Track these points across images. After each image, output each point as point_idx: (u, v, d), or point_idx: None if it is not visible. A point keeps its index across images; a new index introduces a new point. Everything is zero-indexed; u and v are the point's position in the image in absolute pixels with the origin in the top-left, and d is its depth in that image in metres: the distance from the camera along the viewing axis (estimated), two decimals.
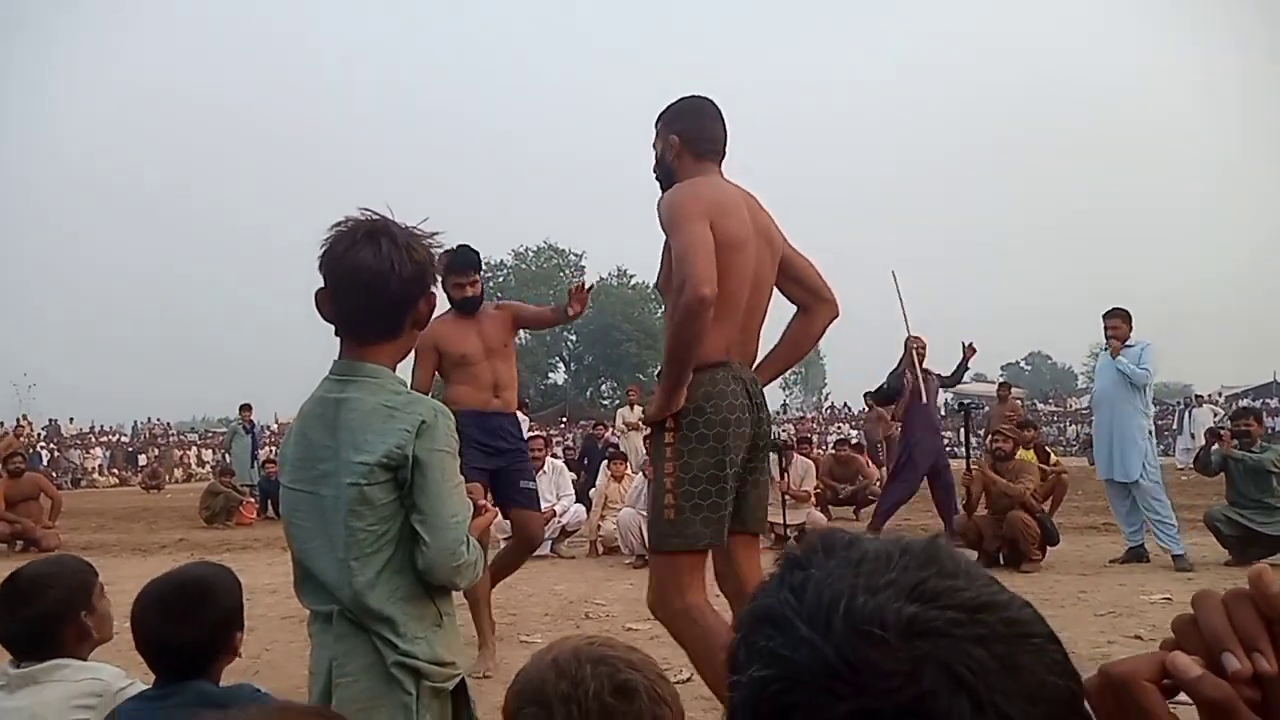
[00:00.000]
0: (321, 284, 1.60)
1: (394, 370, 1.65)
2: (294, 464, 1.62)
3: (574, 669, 0.91)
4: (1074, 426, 29.75)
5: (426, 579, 1.58)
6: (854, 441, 12.57)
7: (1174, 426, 21.89)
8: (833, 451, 11.14)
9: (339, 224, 1.59)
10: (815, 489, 8.73)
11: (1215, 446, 6.48)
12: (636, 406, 13.21)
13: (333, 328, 1.64)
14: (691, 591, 2.43)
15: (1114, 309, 6.34)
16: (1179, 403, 24.50)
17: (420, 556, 1.55)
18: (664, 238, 2.36)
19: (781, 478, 7.57)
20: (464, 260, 3.92)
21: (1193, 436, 20.56)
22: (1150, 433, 6.30)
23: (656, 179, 2.55)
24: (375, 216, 1.61)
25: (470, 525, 1.61)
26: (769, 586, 0.53)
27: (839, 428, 28.04)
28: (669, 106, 2.55)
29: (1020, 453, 7.43)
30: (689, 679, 3.08)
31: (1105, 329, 6.32)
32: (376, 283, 1.54)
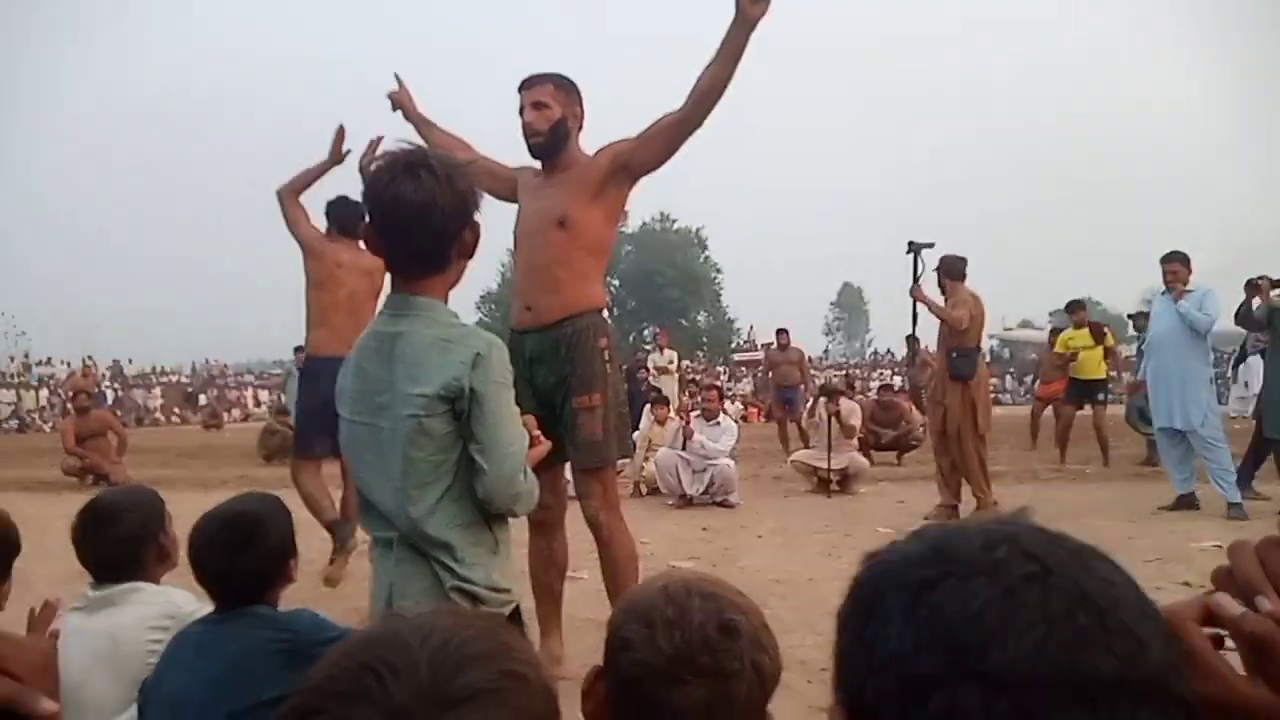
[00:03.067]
0: (367, 219, 1.62)
1: (446, 301, 1.67)
2: (353, 397, 1.67)
3: (683, 598, 0.94)
4: (1124, 375, 29.13)
5: (486, 506, 1.62)
6: (898, 387, 12.45)
7: (1227, 374, 21.30)
8: (876, 397, 11.07)
9: (378, 159, 1.61)
10: (861, 433, 8.72)
11: (1256, 300, 6.16)
12: (666, 351, 13.25)
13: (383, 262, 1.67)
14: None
15: (1172, 252, 6.14)
16: (1233, 350, 23.80)
17: (479, 484, 1.59)
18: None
19: (831, 421, 7.57)
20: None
21: (1246, 385, 20.03)
22: (1212, 380, 6.16)
23: (535, 129, 2.80)
24: (413, 149, 1.62)
25: (526, 455, 1.65)
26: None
27: (882, 374, 27.80)
28: (572, 80, 2.88)
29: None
30: None
31: (1164, 273, 6.13)
32: (419, 216, 1.55)
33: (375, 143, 3.78)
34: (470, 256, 1.68)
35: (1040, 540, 0.50)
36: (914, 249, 6.21)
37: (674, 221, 41.87)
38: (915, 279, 6.21)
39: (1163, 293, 6.30)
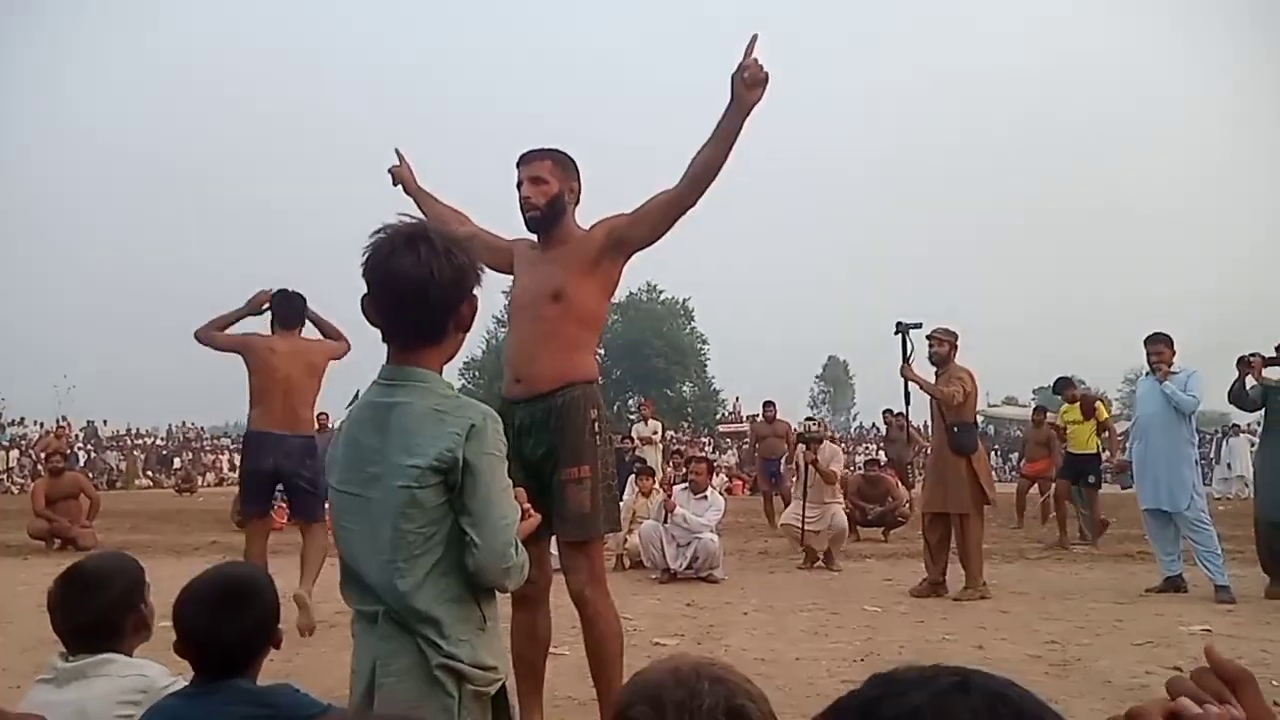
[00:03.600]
0: (365, 291, 1.62)
1: (441, 373, 1.67)
2: (343, 467, 1.65)
3: (693, 681, 0.92)
4: (1106, 452, 29.29)
5: (476, 581, 1.59)
6: (884, 462, 12.44)
7: (1211, 455, 21.47)
8: (862, 471, 11.04)
9: (378, 231, 1.62)
10: (846, 509, 8.65)
11: (1248, 378, 6.10)
12: (651, 421, 13.23)
13: (379, 333, 1.67)
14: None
15: (1156, 334, 6.23)
16: (1216, 431, 24.05)
17: (470, 558, 1.56)
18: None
19: (809, 468, 7.58)
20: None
21: (1230, 466, 20.20)
22: (1197, 462, 6.19)
23: (533, 204, 2.83)
24: (413, 222, 1.63)
25: (518, 528, 1.62)
26: None
27: (867, 448, 27.80)
28: (570, 156, 2.92)
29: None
30: None
31: (1148, 355, 6.21)
32: (417, 289, 1.56)
33: None
34: (467, 329, 1.68)
35: (967, 668, 0.60)
36: (902, 329, 6.26)
37: (661, 292, 42.29)
38: (905, 359, 6.25)
39: (1146, 374, 6.37)
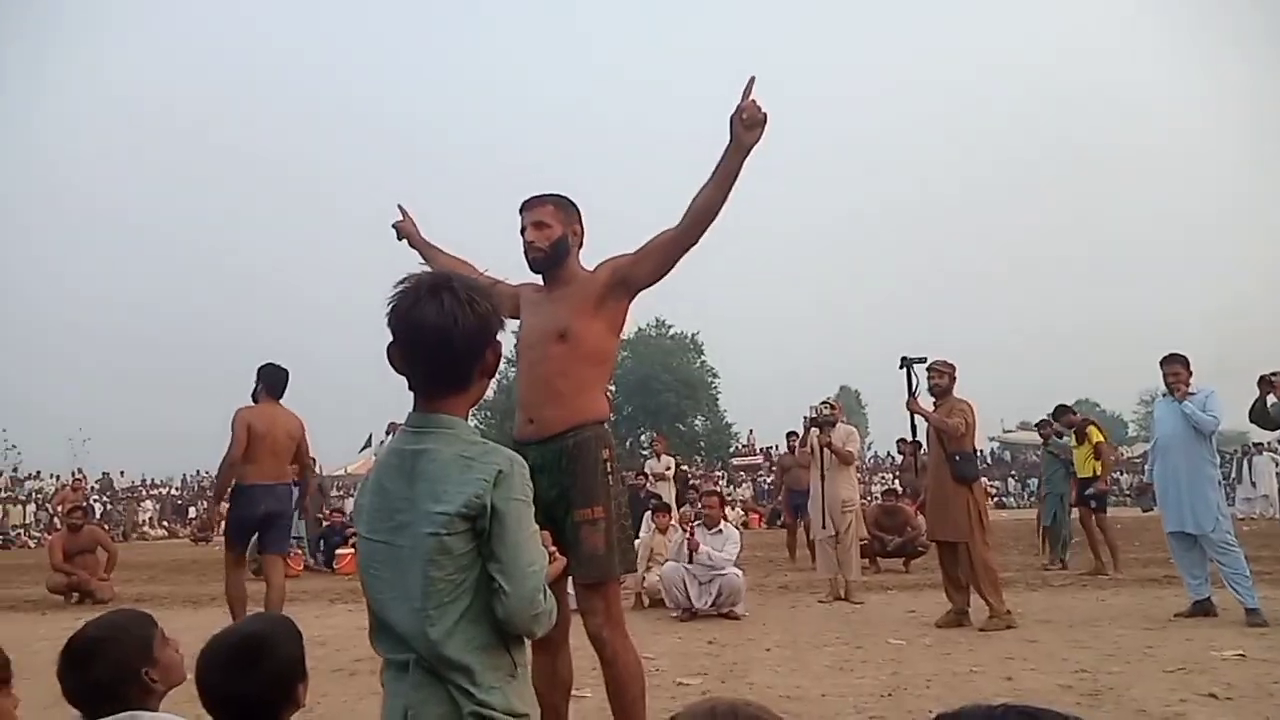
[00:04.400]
0: (391, 340, 1.64)
1: (467, 420, 1.68)
2: (371, 515, 1.65)
3: None
4: (1125, 475, 28.97)
5: (505, 627, 1.58)
6: (900, 491, 12.33)
7: (1233, 475, 21.18)
8: (879, 502, 10.95)
9: (402, 281, 1.65)
10: (862, 539, 8.57)
11: (1270, 397, 6.04)
12: (664, 456, 13.15)
13: (405, 381, 1.68)
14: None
15: (1172, 354, 6.20)
16: (1237, 451, 23.77)
17: (499, 605, 1.56)
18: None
19: (823, 453, 7.52)
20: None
21: (1254, 485, 19.92)
22: (1220, 482, 6.11)
23: (537, 247, 2.86)
24: (436, 272, 1.68)
25: (546, 574, 1.62)
26: None
27: (883, 477, 27.58)
28: (571, 200, 2.95)
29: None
30: None
31: (1165, 376, 6.17)
32: (441, 339, 1.58)
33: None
34: (491, 375, 1.70)
35: (1035, 706, 0.64)
36: (906, 363, 6.34)
37: (670, 327, 42.36)
38: (910, 393, 6.32)
39: (1163, 394, 6.32)
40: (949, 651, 5.27)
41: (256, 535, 5.87)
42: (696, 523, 7.49)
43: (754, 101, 2.63)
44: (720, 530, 7.31)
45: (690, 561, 7.01)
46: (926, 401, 6.40)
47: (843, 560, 7.59)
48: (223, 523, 6.21)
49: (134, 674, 1.82)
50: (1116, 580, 8.31)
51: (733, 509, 18.54)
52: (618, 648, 2.81)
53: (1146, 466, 7.32)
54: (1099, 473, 9.29)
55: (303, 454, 6.09)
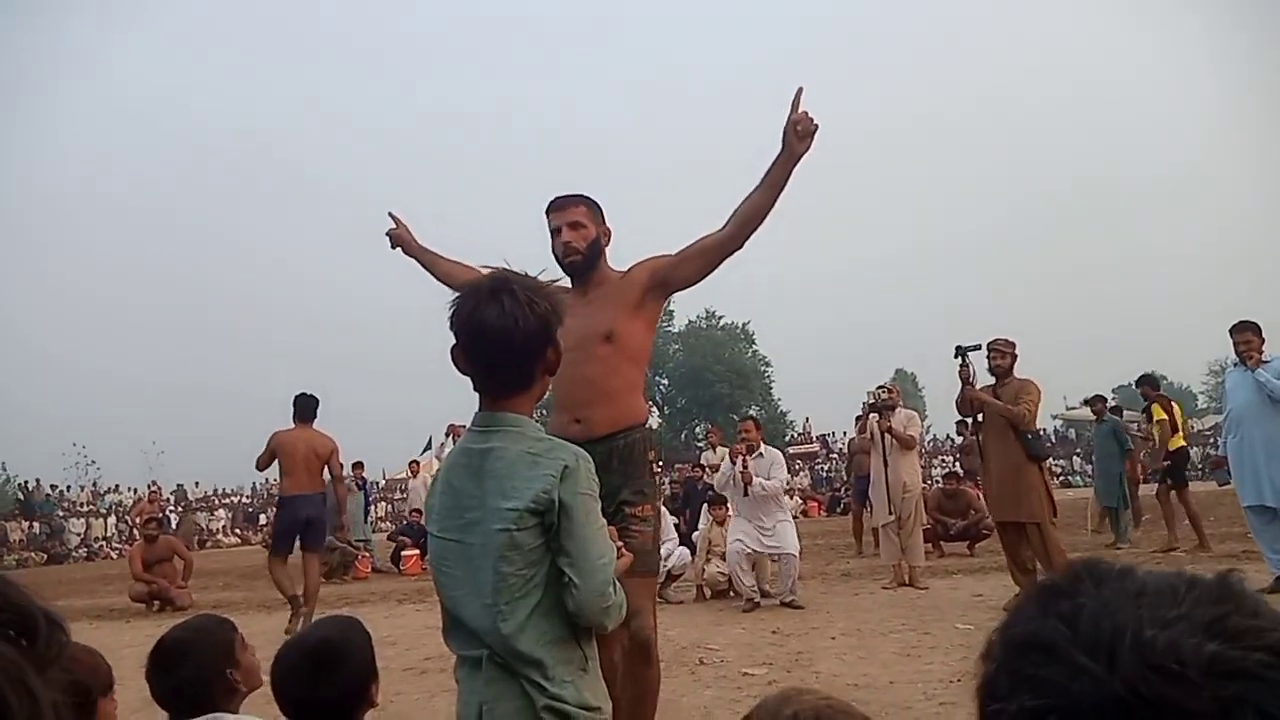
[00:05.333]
0: (454, 343, 1.68)
1: (532, 417, 1.71)
2: (441, 513, 1.69)
3: None
4: (1196, 449, 28.04)
5: (576, 621, 1.61)
6: (962, 473, 12.13)
7: None
8: (940, 485, 10.77)
9: (464, 288, 1.70)
10: (926, 524, 8.44)
11: None
12: (719, 448, 13.10)
13: (469, 381, 1.71)
14: None
15: (1242, 322, 5.98)
16: None
17: (570, 599, 1.59)
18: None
19: (884, 438, 7.39)
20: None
21: None
22: None
23: (575, 248, 2.83)
24: (496, 274, 1.69)
25: (615, 566, 1.65)
26: (1027, 612, 0.53)
27: (943, 460, 27.11)
28: (597, 200, 2.92)
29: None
30: None
31: (1235, 344, 5.96)
32: (503, 339, 1.62)
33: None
34: (553, 373, 1.73)
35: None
36: (961, 352, 6.21)
37: (720, 318, 42.18)
38: (966, 382, 6.17)
39: (1235, 364, 6.11)
40: None
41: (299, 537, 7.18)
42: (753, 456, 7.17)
43: (806, 113, 2.65)
44: (761, 454, 7.21)
45: (745, 494, 6.96)
46: (985, 380, 6.26)
47: (906, 546, 7.48)
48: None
49: (219, 675, 1.90)
50: (1193, 556, 8.06)
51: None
52: (655, 652, 2.79)
53: (1220, 439, 7.09)
54: (1170, 447, 9.03)
55: (332, 468, 7.30)
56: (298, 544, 7.28)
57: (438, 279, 3.16)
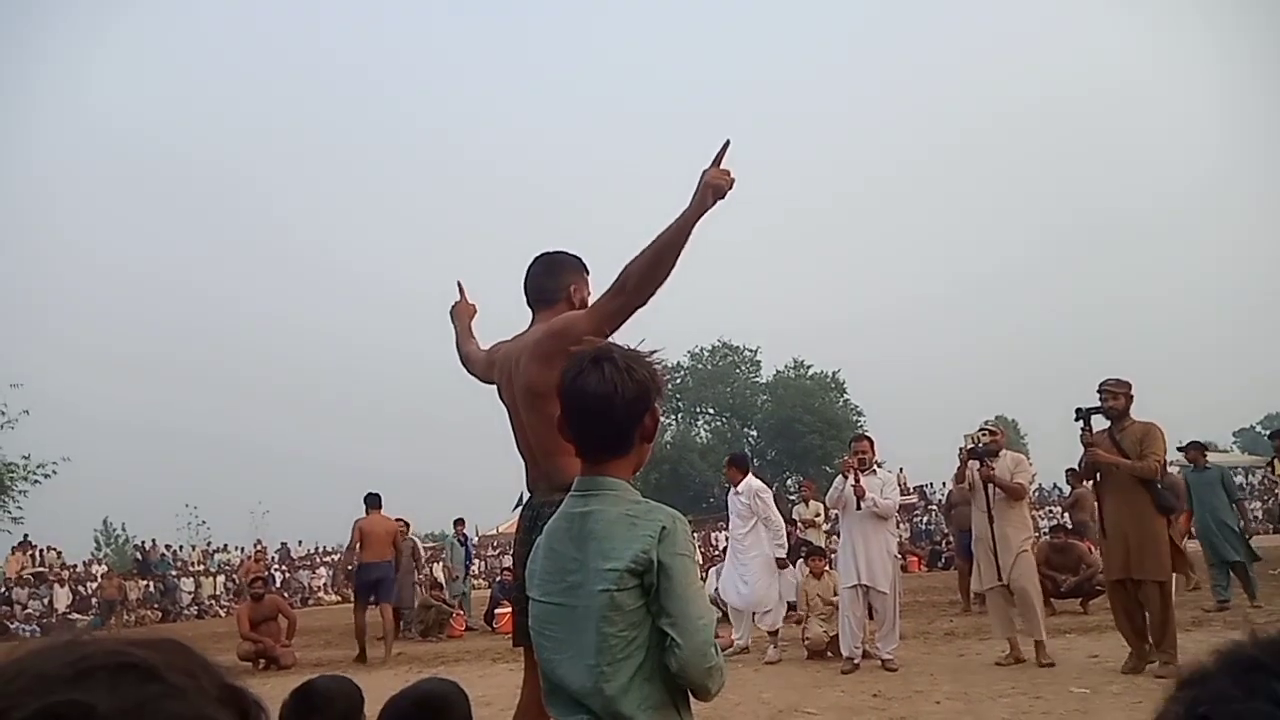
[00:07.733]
0: (560, 410, 1.76)
1: (630, 482, 1.76)
2: (543, 577, 1.74)
3: None
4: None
5: (680, 681, 1.64)
6: (1070, 528, 11.54)
7: None
8: (1049, 539, 10.28)
9: (573, 354, 1.79)
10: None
11: None
12: (813, 502, 12.82)
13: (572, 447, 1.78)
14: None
15: None
16: None
17: (673, 659, 1.60)
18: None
19: (987, 488, 6.56)
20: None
21: None
22: None
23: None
24: (600, 343, 1.82)
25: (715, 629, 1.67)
26: (1222, 690, 0.50)
27: (1050, 511, 25.85)
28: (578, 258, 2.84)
29: None
30: None
31: None
32: (603, 406, 1.69)
33: None
34: (651, 440, 1.78)
35: None
36: (1082, 415, 5.97)
37: (809, 368, 41.75)
38: (1090, 444, 5.91)
39: None
40: (1140, 700, 4.85)
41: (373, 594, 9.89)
42: (855, 467, 6.84)
43: (727, 171, 2.39)
44: (875, 471, 6.96)
45: (858, 508, 6.69)
46: (1100, 425, 5.97)
47: (1024, 615, 6.53)
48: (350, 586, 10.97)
49: None
50: None
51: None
52: None
53: None
54: None
55: (396, 544, 10.22)
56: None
57: (459, 357, 3.18)
